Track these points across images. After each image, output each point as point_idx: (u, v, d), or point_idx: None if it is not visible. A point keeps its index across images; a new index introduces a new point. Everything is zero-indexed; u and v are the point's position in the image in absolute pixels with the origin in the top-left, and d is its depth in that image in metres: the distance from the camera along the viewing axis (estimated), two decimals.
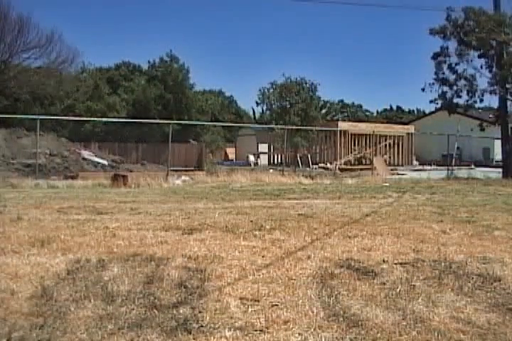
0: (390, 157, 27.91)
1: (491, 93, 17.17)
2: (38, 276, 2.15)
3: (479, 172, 17.23)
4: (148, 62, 29.38)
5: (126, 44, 71.66)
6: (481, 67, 17.05)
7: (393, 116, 52.79)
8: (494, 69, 16.80)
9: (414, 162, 29.39)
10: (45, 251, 2.71)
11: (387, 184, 11.29)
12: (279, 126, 23.69)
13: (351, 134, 27.31)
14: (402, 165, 27.27)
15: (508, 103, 17.63)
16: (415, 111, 57.76)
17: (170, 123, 15.80)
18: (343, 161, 24.92)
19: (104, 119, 22.41)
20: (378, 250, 2.84)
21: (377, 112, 59.26)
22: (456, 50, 16.98)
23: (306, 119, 27.21)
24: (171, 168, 13.80)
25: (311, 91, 29.38)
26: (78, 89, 27.26)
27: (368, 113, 58.26)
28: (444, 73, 17.60)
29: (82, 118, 22.38)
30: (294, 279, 2.15)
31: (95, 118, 22.93)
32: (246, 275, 2.21)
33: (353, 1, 46.60)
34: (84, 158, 16.83)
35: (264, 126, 27.08)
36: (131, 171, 14.61)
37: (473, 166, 24.44)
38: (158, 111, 25.80)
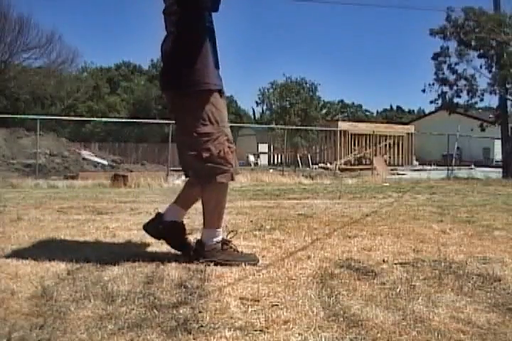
0: (390, 157, 27.93)
1: (491, 93, 17.20)
2: (38, 276, 2.15)
3: (479, 172, 17.24)
4: (151, 60, 29.32)
5: (127, 44, 71.65)
6: (481, 67, 17.08)
7: (393, 116, 52.84)
8: (494, 69, 16.81)
9: (414, 162, 29.41)
10: (45, 252, 2.71)
11: (387, 184, 11.30)
12: (279, 126, 23.69)
13: (351, 134, 27.32)
14: (402, 165, 27.29)
15: (508, 103, 17.64)
16: (415, 111, 57.77)
17: (170, 124, 15.80)
18: (343, 161, 24.93)
19: (104, 119, 22.46)
20: (378, 250, 2.84)
21: (377, 112, 59.32)
22: (456, 50, 17.01)
23: (306, 119, 27.21)
24: (171, 168, 13.80)
25: (311, 91, 29.38)
26: (78, 89, 27.28)
27: (367, 113, 58.32)
28: (444, 73, 17.62)
29: (82, 119, 22.40)
30: (294, 279, 2.15)
31: (95, 119, 22.97)
32: (246, 275, 2.21)
33: (353, 2, 46.66)
34: (84, 158, 16.84)
35: (264, 126, 27.12)
36: (131, 171, 14.63)
37: (473, 166, 24.45)
38: (159, 111, 25.78)
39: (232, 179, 2.48)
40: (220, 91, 2.54)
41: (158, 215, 2.62)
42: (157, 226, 2.58)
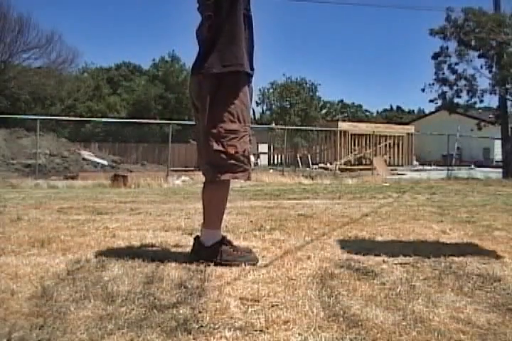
0: (390, 157, 27.91)
1: (491, 93, 17.21)
2: (38, 276, 2.15)
3: (479, 172, 17.24)
4: (153, 60, 29.30)
5: (127, 44, 71.65)
6: (481, 67, 17.09)
7: (393, 116, 52.81)
8: (494, 69, 16.81)
9: (414, 162, 29.40)
10: (45, 252, 2.71)
11: (387, 184, 11.30)
12: (279, 126, 23.70)
13: (351, 134, 27.30)
14: (402, 165, 27.28)
15: (508, 103, 17.65)
16: (415, 112, 57.76)
17: (170, 124, 15.81)
18: (343, 161, 24.91)
19: (104, 119, 22.44)
20: (378, 250, 2.84)
21: (377, 112, 59.31)
22: (456, 50, 17.02)
23: (306, 119, 27.22)
24: (171, 168, 13.80)
25: (311, 91, 29.38)
26: (79, 89, 27.25)
27: (367, 113, 58.28)
28: (444, 73, 17.63)
29: (81, 119, 22.39)
30: (294, 279, 2.15)
31: (95, 119, 22.96)
32: (246, 275, 2.21)
33: (353, 1, 46.68)
34: (84, 159, 16.84)
35: (264, 126, 27.10)
36: (131, 171, 14.63)
37: (473, 166, 24.44)
38: (159, 111, 25.76)
39: (249, 179, 2.49)
40: (250, 77, 2.52)
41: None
42: None
